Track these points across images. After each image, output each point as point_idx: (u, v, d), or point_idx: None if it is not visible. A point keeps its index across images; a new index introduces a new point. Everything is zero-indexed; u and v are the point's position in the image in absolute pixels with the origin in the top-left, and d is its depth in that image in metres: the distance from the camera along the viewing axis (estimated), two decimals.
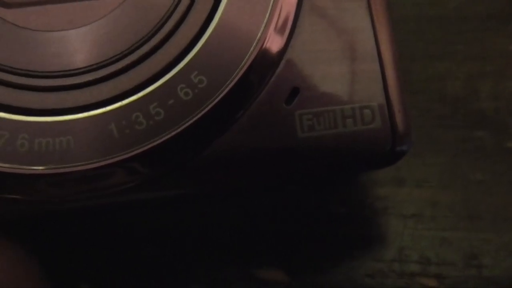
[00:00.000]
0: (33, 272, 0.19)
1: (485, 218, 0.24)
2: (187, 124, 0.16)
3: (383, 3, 0.18)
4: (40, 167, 0.15)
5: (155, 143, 0.16)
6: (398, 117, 0.17)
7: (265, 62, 0.16)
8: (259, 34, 0.16)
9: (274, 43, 0.17)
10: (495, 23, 0.26)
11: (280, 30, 0.17)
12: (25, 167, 0.15)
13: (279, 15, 0.16)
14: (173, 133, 0.16)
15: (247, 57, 0.16)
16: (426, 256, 0.24)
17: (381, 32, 0.17)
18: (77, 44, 0.16)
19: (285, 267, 0.24)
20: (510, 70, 0.25)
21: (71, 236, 0.24)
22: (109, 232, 0.24)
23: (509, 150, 0.24)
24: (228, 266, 0.24)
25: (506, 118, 0.25)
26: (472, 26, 0.26)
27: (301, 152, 0.17)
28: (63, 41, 0.16)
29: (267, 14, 0.16)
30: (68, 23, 0.16)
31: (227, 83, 0.16)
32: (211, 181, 0.17)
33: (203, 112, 0.16)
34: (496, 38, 0.25)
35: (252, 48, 0.16)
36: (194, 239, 0.24)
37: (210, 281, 0.24)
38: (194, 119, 0.16)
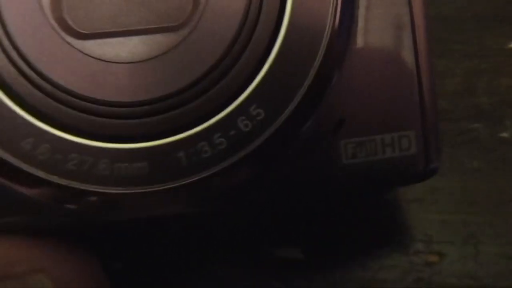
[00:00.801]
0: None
1: (481, 202, 0.26)
2: (246, 153, 0.17)
3: (426, 35, 0.19)
4: (120, 188, 0.17)
5: (217, 170, 0.17)
6: (432, 142, 0.19)
7: (317, 95, 0.18)
8: (312, 71, 0.18)
9: (325, 79, 0.18)
10: (491, 23, 0.28)
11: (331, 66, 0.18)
12: (108, 188, 0.17)
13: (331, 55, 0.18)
14: (232, 162, 0.17)
15: (300, 92, 0.18)
16: (428, 235, 0.26)
17: (422, 63, 0.19)
18: (149, 75, 0.18)
19: (302, 246, 0.27)
20: (505, 67, 0.27)
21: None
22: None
23: (503, 140, 0.27)
24: (246, 246, 0.27)
25: (500, 111, 0.27)
26: (470, 26, 0.28)
27: (344, 177, 0.19)
28: (135, 72, 0.17)
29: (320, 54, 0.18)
30: (138, 55, 0.18)
31: (282, 116, 0.18)
32: (258, 204, 0.19)
33: (259, 143, 0.18)
34: (492, 37, 0.28)
35: (305, 85, 0.18)
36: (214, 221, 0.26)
37: (231, 261, 0.27)
38: (252, 148, 0.17)
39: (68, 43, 0.18)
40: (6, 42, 0.17)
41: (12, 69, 0.17)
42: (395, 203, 0.27)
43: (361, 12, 0.19)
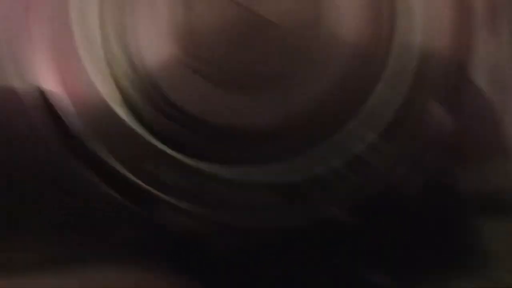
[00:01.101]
0: None
1: None
2: (365, 176, 0.18)
3: None
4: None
5: (335, 195, 0.18)
6: None
7: (428, 120, 0.19)
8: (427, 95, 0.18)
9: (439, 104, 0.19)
10: None
11: None
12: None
13: None
14: (350, 186, 0.18)
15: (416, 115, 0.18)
16: None
17: None
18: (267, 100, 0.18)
19: (392, 272, 0.26)
20: None
21: None
22: None
23: None
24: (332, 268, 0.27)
25: None
26: None
27: (457, 203, 0.20)
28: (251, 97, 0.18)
29: None
30: None
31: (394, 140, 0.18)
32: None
33: (375, 168, 0.18)
34: None
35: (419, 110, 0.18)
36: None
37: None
38: (368, 172, 0.18)
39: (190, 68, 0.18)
40: (141, 70, 0.18)
41: (138, 96, 0.18)
42: (480, 229, 0.27)
43: None
